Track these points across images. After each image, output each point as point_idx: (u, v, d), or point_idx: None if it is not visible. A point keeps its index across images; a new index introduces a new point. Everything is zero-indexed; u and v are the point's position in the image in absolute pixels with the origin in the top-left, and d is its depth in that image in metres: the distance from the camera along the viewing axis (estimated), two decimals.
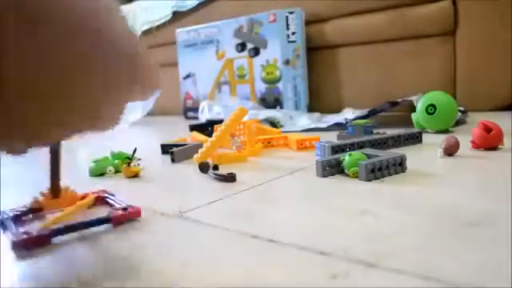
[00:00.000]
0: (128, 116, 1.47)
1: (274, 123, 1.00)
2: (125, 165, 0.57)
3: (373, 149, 0.57)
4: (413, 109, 0.80)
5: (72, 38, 0.24)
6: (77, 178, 0.58)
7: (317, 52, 1.31)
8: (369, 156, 0.50)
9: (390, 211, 0.35)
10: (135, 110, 1.49)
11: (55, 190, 0.40)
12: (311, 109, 1.29)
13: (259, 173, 0.55)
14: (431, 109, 0.74)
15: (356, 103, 1.19)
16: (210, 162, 0.58)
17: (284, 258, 0.28)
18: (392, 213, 0.35)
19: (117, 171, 0.61)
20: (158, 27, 1.69)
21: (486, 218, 0.32)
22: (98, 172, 0.60)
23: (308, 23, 1.28)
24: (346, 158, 0.49)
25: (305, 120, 1.05)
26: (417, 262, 0.25)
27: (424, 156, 0.57)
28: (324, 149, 0.57)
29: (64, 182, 0.41)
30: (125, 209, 0.38)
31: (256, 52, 1.31)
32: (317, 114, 1.14)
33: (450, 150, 0.55)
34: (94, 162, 0.61)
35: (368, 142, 0.60)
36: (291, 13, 1.24)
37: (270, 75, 1.29)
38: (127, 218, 0.38)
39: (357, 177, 0.47)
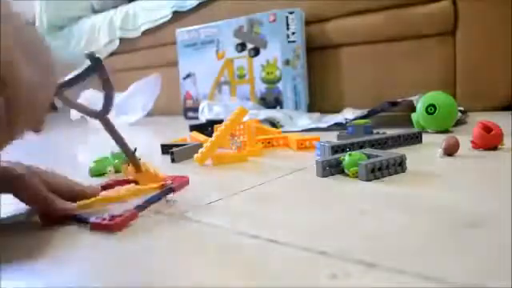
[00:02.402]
0: (128, 116, 1.48)
1: (273, 123, 1.00)
2: (125, 165, 0.57)
3: (373, 149, 0.57)
4: (413, 109, 0.80)
5: None
6: (77, 178, 0.58)
7: (317, 52, 1.31)
8: (369, 156, 0.50)
9: (389, 211, 0.35)
10: (135, 110, 1.49)
11: (135, 163, 0.44)
12: (311, 109, 1.29)
13: (259, 173, 0.55)
14: (431, 109, 0.73)
15: (356, 103, 1.19)
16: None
17: (284, 258, 0.28)
18: (392, 213, 0.35)
19: (117, 171, 0.61)
20: (158, 27, 1.68)
21: (485, 217, 0.32)
22: (98, 172, 0.60)
23: (308, 23, 1.28)
24: (346, 158, 0.49)
25: (305, 120, 1.05)
26: (417, 262, 0.25)
27: (424, 156, 0.57)
28: (324, 149, 0.57)
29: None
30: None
31: (256, 52, 1.31)
32: (317, 114, 1.14)
33: (450, 150, 0.55)
34: (95, 162, 0.61)
35: (368, 142, 0.60)
36: (291, 13, 1.24)
37: (270, 75, 1.29)
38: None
39: (357, 177, 0.47)
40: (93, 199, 0.41)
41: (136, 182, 0.45)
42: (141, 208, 0.39)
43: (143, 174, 0.45)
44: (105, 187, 0.46)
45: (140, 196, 0.41)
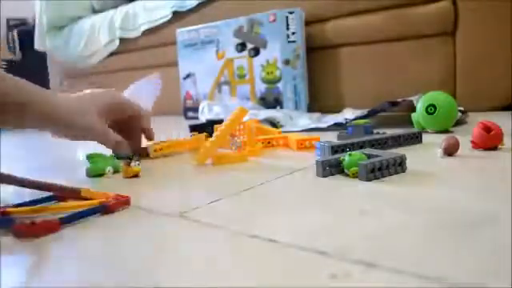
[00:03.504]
0: None
1: (274, 123, 1.00)
2: (125, 165, 0.57)
3: (373, 149, 0.57)
4: (413, 109, 0.80)
5: None
6: (76, 179, 0.58)
7: (317, 52, 1.31)
8: (369, 156, 0.50)
9: (389, 211, 0.35)
10: None
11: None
12: (311, 109, 1.29)
13: (259, 173, 0.55)
14: (431, 109, 0.73)
15: (356, 103, 1.19)
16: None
17: (284, 258, 0.28)
18: (392, 213, 0.35)
19: (116, 171, 0.60)
20: (158, 27, 1.68)
21: (486, 217, 0.32)
22: (96, 172, 0.59)
23: (308, 23, 1.28)
24: (346, 158, 0.49)
25: (305, 120, 1.05)
26: (417, 262, 0.25)
27: (424, 156, 0.57)
28: (324, 149, 0.57)
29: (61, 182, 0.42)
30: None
31: (256, 52, 1.31)
32: (317, 114, 1.14)
33: (450, 150, 0.55)
34: (91, 161, 0.59)
35: (368, 142, 0.60)
36: (291, 13, 1.24)
37: (270, 75, 1.29)
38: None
39: (357, 177, 0.47)
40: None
41: (86, 198, 0.45)
42: (65, 220, 0.38)
43: (89, 191, 0.45)
44: (58, 198, 0.46)
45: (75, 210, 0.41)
